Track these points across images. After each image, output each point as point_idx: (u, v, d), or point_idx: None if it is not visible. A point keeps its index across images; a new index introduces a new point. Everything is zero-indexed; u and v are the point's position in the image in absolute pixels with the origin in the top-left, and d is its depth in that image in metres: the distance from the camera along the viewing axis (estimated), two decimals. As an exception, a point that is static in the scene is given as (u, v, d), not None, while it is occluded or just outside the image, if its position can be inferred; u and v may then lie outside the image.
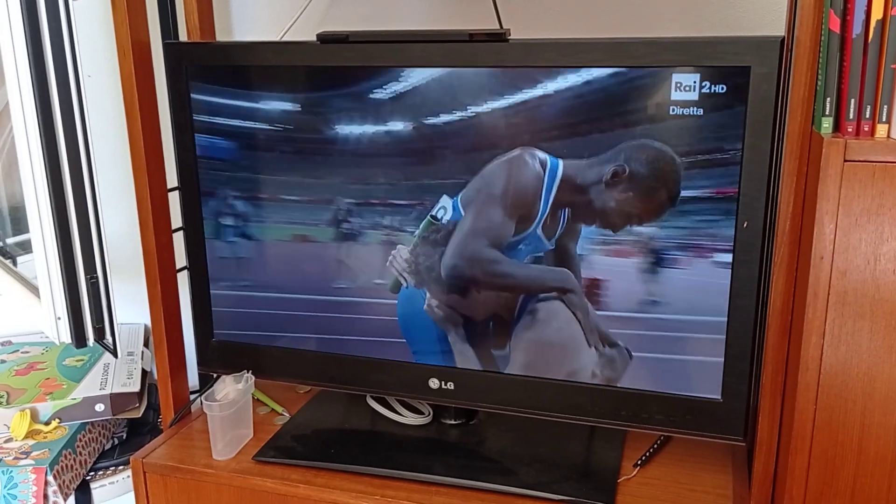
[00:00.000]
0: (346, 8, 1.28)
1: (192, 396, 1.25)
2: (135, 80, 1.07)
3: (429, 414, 1.17)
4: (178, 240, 1.16)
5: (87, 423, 1.26)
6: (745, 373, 0.93)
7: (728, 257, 0.90)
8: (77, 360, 1.39)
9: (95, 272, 1.06)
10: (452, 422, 1.16)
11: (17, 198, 1.30)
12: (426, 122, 0.98)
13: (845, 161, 0.75)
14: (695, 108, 0.88)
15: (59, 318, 1.05)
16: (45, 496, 1.14)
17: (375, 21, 1.27)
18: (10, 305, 1.24)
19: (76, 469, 1.21)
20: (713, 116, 0.87)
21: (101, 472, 1.25)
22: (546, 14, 1.19)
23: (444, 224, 0.99)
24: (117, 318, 1.09)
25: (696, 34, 1.11)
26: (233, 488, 1.07)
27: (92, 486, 1.23)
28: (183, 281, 1.18)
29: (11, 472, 1.13)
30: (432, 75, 0.96)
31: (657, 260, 0.93)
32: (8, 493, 1.13)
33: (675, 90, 0.88)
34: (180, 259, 1.17)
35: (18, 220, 1.34)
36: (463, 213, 0.98)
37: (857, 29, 0.75)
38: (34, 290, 1.12)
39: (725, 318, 0.92)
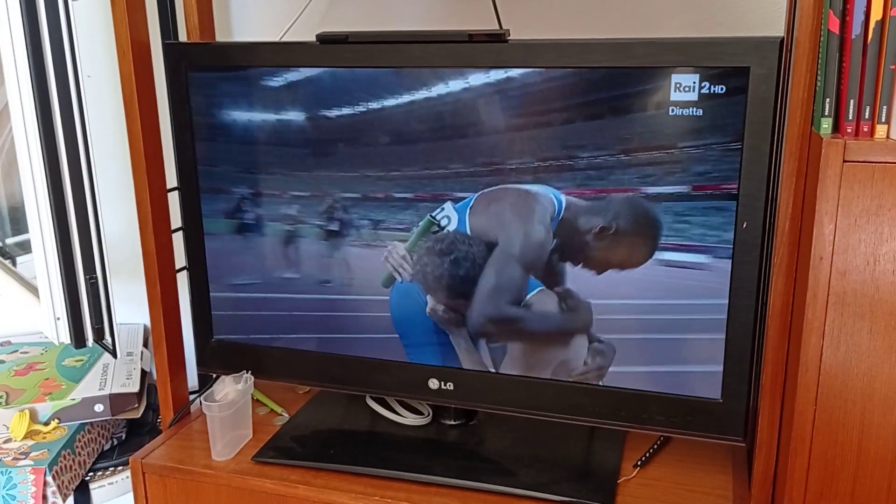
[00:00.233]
0: (345, 8, 1.28)
1: (192, 397, 1.25)
2: (134, 80, 1.06)
3: (428, 414, 1.17)
4: (178, 240, 1.16)
5: (87, 423, 1.26)
6: (745, 373, 0.93)
7: (728, 257, 0.90)
8: (76, 361, 1.39)
9: (95, 272, 1.06)
10: (452, 422, 1.16)
11: (17, 198, 1.30)
12: (432, 126, 0.98)
13: (844, 161, 0.75)
14: (694, 109, 0.88)
15: (59, 319, 1.05)
16: (44, 497, 1.14)
17: (375, 21, 1.27)
18: (10, 306, 1.24)
19: (75, 469, 1.21)
20: (713, 117, 0.87)
21: (100, 473, 1.25)
22: (546, 14, 1.19)
23: (446, 234, 1.00)
24: (116, 319, 1.08)
25: (695, 34, 1.11)
26: (232, 489, 1.06)
27: (91, 486, 1.23)
28: (182, 281, 1.18)
29: (10, 472, 1.13)
30: (439, 87, 0.96)
31: (657, 260, 0.93)
32: (7, 494, 1.13)
33: (675, 91, 0.88)
34: (180, 259, 1.17)
35: (18, 221, 1.33)
36: (468, 225, 0.99)
37: (856, 29, 0.75)
38: (33, 290, 1.12)
39: (725, 319, 0.92)
